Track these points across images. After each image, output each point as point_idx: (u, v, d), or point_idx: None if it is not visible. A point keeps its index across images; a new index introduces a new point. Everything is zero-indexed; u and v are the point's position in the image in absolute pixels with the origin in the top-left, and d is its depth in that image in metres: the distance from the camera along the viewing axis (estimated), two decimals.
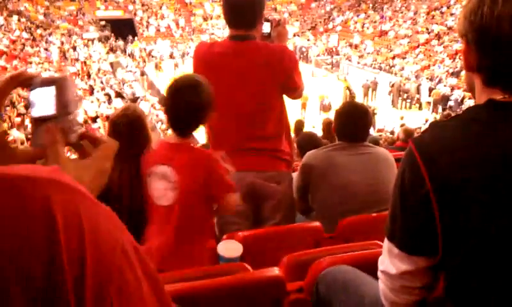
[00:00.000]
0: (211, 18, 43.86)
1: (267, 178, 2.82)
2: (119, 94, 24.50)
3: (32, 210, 0.46)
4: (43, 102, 0.87)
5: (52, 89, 0.87)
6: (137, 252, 0.55)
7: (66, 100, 0.87)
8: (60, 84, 0.87)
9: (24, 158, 0.89)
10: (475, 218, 1.10)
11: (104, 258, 0.49)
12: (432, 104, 22.83)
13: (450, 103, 21.56)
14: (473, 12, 1.17)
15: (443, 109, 21.36)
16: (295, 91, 2.88)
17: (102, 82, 27.45)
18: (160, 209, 2.35)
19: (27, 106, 21.15)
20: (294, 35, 41.65)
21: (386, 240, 1.31)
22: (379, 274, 1.36)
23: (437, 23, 32.66)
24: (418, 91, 24.02)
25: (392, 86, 24.96)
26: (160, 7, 43.92)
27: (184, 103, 2.28)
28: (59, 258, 0.46)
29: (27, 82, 0.91)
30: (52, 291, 0.45)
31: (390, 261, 1.29)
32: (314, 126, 16.01)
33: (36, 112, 0.88)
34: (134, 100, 23.14)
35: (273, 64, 2.76)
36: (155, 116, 22.38)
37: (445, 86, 23.68)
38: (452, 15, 32.37)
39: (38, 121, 0.88)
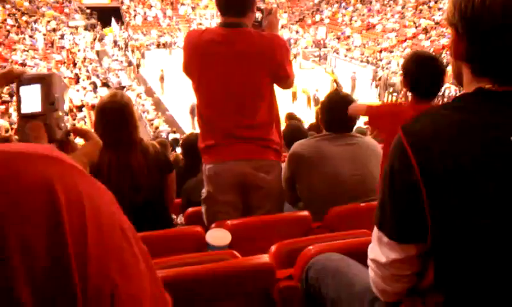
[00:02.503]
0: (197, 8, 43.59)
1: (256, 167, 2.81)
2: (105, 84, 24.33)
3: (33, 186, 0.46)
4: (31, 99, 0.87)
5: (38, 87, 0.86)
6: (133, 232, 0.55)
7: (53, 97, 0.87)
8: (47, 82, 0.87)
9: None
10: (464, 205, 1.10)
11: (105, 235, 0.49)
12: None
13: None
14: (463, 1, 1.17)
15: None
16: (286, 80, 2.87)
17: (87, 71, 27.21)
18: None
19: (12, 94, 20.93)
20: (282, 27, 41.60)
21: (375, 228, 1.31)
22: (369, 262, 1.37)
23: (424, 18, 32.77)
24: None
25: (379, 79, 25.02)
26: None
27: None
28: (62, 234, 0.45)
29: (15, 79, 0.91)
30: (56, 268, 0.44)
31: (380, 249, 1.29)
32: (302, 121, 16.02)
33: (23, 108, 0.88)
34: (120, 89, 22.98)
35: (265, 53, 2.74)
36: (141, 105, 22.28)
37: None
38: (439, 9, 32.49)
39: (25, 118, 0.88)
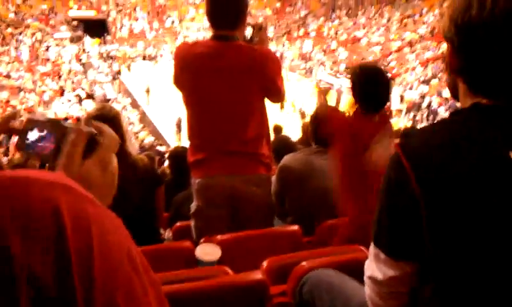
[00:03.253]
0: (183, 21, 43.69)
1: (246, 181, 2.79)
2: (89, 96, 24.21)
3: (41, 212, 0.46)
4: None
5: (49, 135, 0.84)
6: (141, 259, 0.54)
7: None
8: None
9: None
10: (463, 220, 1.10)
11: (112, 264, 0.49)
12: (404, 111, 23.10)
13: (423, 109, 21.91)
14: (459, 15, 1.16)
15: (414, 116, 21.66)
16: (277, 94, 2.85)
17: (73, 83, 27.08)
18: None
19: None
20: (270, 40, 41.76)
21: (372, 245, 1.30)
22: (365, 279, 1.35)
23: (409, 31, 33.11)
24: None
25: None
26: (134, 9, 43.57)
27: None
28: (69, 262, 0.45)
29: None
30: (63, 298, 0.44)
31: (377, 266, 1.28)
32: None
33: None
34: (105, 101, 22.89)
35: (256, 67, 2.73)
36: (127, 118, 22.18)
37: (415, 90, 24.03)
38: (424, 23, 32.86)
39: (31, 123, 0.85)
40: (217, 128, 2.76)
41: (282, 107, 21.71)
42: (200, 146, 2.80)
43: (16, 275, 0.42)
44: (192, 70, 2.75)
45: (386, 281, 1.26)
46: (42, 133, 0.84)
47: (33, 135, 0.84)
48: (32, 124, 0.85)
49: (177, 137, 20.08)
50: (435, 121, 1.27)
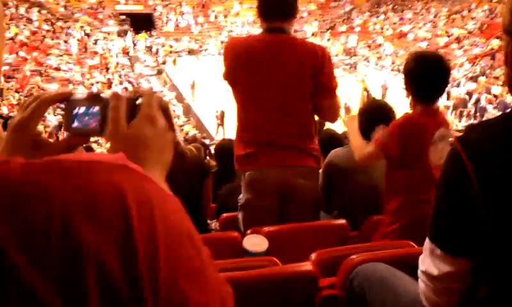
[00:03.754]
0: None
1: (296, 173, 2.80)
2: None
3: (105, 196, 0.46)
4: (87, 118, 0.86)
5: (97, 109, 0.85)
6: (198, 237, 0.55)
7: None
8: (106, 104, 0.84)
9: (60, 149, 0.87)
10: None
11: (174, 244, 0.49)
12: (452, 108, 22.60)
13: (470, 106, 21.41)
14: None
15: (461, 112, 21.17)
16: (330, 93, 2.81)
17: (120, 76, 27.60)
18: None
19: None
20: (313, 34, 41.54)
21: (427, 240, 1.28)
22: (419, 274, 1.33)
23: (457, 27, 32.34)
24: None
25: None
26: (180, 4, 44.03)
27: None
28: (135, 248, 0.45)
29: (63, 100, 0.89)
30: (127, 280, 0.44)
31: (432, 262, 1.26)
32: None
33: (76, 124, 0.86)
34: None
35: (310, 62, 2.71)
36: (172, 111, 22.47)
37: (463, 86, 23.48)
38: (473, 18, 32.04)
39: (73, 103, 0.86)
40: (270, 122, 2.76)
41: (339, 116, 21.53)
42: (251, 139, 2.80)
43: (87, 264, 0.42)
44: (246, 65, 2.75)
45: (441, 276, 1.24)
46: (86, 110, 0.85)
47: (78, 113, 0.85)
48: (74, 103, 0.86)
49: (219, 130, 20.26)
50: (495, 116, 1.24)
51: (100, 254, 0.43)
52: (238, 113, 2.88)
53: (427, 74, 2.61)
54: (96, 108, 0.84)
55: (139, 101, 0.83)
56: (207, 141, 15.91)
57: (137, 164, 0.75)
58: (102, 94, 0.85)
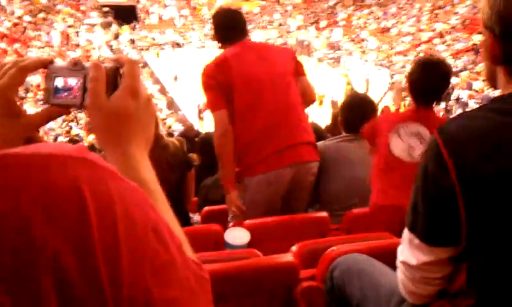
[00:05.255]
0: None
1: (309, 171, 2.87)
2: None
3: (61, 190, 0.43)
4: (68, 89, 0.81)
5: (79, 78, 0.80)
6: (168, 229, 0.53)
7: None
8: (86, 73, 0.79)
9: (40, 119, 0.84)
10: (502, 209, 1.08)
11: (137, 238, 0.47)
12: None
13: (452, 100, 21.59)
14: (501, 2, 1.14)
15: (446, 106, 21.35)
16: (307, 77, 2.96)
17: None
18: (404, 164, 2.57)
19: (27, 90, 21.06)
20: (298, 28, 41.58)
21: (406, 230, 1.29)
22: (398, 264, 1.34)
23: (440, 22, 32.59)
24: None
25: (393, 83, 24.88)
26: None
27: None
28: (92, 245, 0.43)
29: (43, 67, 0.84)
30: (86, 279, 0.42)
31: (411, 252, 1.27)
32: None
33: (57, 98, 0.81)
34: None
35: (289, 51, 2.92)
36: (155, 104, 22.36)
37: None
38: (455, 13, 32.30)
39: (53, 74, 0.82)
40: (277, 124, 2.78)
41: (321, 104, 21.86)
42: (260, 146, 2.77)
43: (42, 263, 0.40)
44: (238, 77, 2.76)
45: (420, 266, 1.25)
46: (66, 80, 0.80)
47: (58, 83, 0.81)
48: (55, 71, 0.82)
49: (201, 124, 20.25)
50: (475, 108, 1.25)
51: (55, 253, 0.41)
52: (237, 125, 2.80)
53: (420, 77, 2.68)
54: (77, 78, 0.80)
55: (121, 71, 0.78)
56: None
57: (118, 139, 0.72)
58: (84, 63, 0.80)
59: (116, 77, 0.77)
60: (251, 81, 2.76)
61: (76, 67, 0.80)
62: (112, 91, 0.76)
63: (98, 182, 0.46)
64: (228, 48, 2.88)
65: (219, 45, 2.96)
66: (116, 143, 0.72)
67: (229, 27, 2.91)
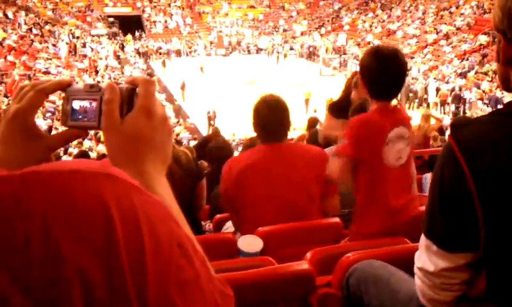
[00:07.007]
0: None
1: None
2: None
3: (87, 207, 0.44)
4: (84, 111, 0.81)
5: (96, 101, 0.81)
6: (191, 243, 0.53)
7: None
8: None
9: (57, 141, 0.85)
10: None
11: (163, 254, 0.47)
12: (439, 105, 22.66)
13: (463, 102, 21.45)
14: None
15: (456, 108, 21.19)
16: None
17: (110, 78, 27.47)
18: (394, 171, 2.49)
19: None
20: (302, 33, 41.59)
21: (423, 236, 1.28)
22: (416, 270, 1.34)
23: (446, 24, 32.47)
24: (426, 91, 23.86)
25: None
26: (169, 5, 43.96)
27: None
28: (119, 260, 0.43)
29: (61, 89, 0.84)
30: (113, 296, 0.42)
31: (428, 258, 1.26)
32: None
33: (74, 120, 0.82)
34: None
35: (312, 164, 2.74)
36: None
37: (452, 83, 23.51)
38: (461, 15, 32.19)
39: (70, 96, 0.82)
40: None
41: (307, 104, 22.04)
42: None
43: (70, 278, 0.41)
44: (256, 178, 2.70)
45: (438, 272, 1.24)
46: (83, 102, 0.81)
47: (75, 106, 0.81)
48: (72, 94, 0.82)
49: (210, 130, 20.28)
50: (488, 112, 1.24)
51: (83, 269, 0.41)
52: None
53: (383, 70, 2.44)
54: (93, 101, 0.80)
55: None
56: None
57: (133, 159, 0.72)
58: (100, 85, 0.81)
59: (133, 98, 0.77)
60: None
61: (93, 89, 0.81)
62: (129, 111, 0.76)
63: (123, 197, 0.47)
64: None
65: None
66: (131, 164, 0.72)
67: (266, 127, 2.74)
